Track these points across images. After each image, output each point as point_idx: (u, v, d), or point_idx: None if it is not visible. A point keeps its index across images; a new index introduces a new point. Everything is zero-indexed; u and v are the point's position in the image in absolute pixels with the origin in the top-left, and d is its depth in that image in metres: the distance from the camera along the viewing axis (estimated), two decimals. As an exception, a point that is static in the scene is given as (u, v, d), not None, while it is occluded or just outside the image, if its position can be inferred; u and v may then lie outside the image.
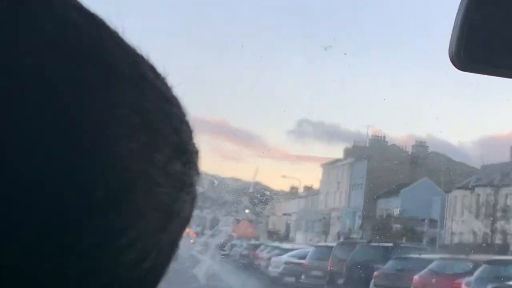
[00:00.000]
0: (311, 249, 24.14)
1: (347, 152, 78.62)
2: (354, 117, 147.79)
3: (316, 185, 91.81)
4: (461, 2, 1.64)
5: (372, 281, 15.90)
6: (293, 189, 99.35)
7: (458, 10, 1.64)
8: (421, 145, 71.39)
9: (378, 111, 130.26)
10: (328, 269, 20.49)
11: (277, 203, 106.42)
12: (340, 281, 18.85)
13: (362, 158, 71.96)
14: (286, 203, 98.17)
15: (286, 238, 75.00)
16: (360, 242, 19.81)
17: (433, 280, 13.29)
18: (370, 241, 19.22)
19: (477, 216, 57.57)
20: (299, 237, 72.29)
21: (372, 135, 73.38)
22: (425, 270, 13.83)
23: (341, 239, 22.83)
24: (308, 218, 75.94)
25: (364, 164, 70.70)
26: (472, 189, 58.49)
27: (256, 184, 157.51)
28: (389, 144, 73.08)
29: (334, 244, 22.86)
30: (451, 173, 62.17)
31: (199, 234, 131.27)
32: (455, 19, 1.65)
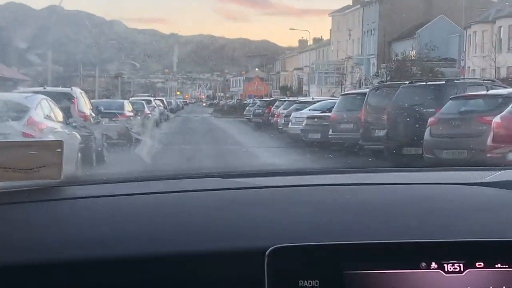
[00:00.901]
0: (338, 99, 19.98)
1: (356, -2, 73.25)
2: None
3: (325, 36, 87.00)
4: None
5: (428, 129, 11.82)
6: (302, 43, 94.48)
7: None
8: (434, -18, 65.69)
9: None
10: (362, 120, 16.44)
11: (287, 58, 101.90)
12: (380, 133, 14.86)
13: (373, 1, 66.67)
14: (296, 57, 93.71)
15: (299, 93, 71.02)
16: (400, 84, 15.58)
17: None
18: (412, 82, 15.02)
19: (499, 50, 53.11)
20: (313, 90, 68.28)
21: (382, -23, 67.63)
22: (508, 109, 9.71)
23: (375, 83, 18.53)
24: (321, 70, 71.65)
25: (376, 8, 65.51)
26: (493, 21, 53.74)
27: (264, 41, 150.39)
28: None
29: (365, 90, 18.65)
30: (467, 9, 56.84)
31: (210, 97, 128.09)
32: None
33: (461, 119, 11.75)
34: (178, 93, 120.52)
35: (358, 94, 18.87)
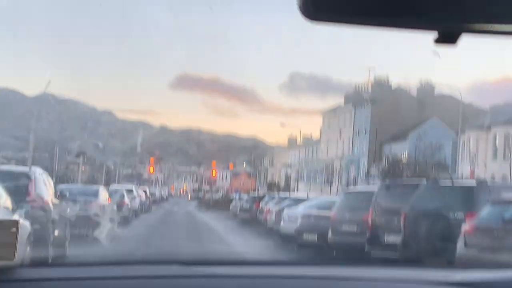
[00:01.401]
0: (339, 197, 17.47)
1: (348, 98, 72.02)
2: (351, 64, 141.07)
3: (315, 134, 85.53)
4: None
5: (462, 238, 9.28)
6: (292, 140, 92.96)
7: None
8: (427, 86, 64.69)
9: (378, 54, 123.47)
10: (369, 222, 13.90)
11: (275, 154, 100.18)
12: (392, 238, 12.34)
13: (365, 102, 65.35)
14: (285, 154, 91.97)
15: (286, 190, 68.73)
16: (419, 182, 13.13)
17: None
18: (435, 181, 12.59)
19: (494, 157, 51.35)
20: (301, 187, 66.00)
21: (375, 78, 66.71)
22: None
23: (386, 182, 16.07)
24: (310, 168, 69.64)
25: (368, 109, 64.12)
26: (488, 128, 52.20)
27: (252, 138, 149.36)
28: (393, 87, 66.41)
29: (371, 188, 16.20)
30: (461, 114, 55.48)
31: (195, 190, 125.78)
32: None
33: (506, 229, 9.28)
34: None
35: (363, 192, 16.41)
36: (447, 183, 12.33)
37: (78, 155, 75.45)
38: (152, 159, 77.40)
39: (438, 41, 1.72)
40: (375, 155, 62.69)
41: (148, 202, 43.39)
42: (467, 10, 1.70)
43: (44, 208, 12.19)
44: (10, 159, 61.01)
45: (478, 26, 1.71)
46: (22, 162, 45.13)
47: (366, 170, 61.43)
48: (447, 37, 1.72)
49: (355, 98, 68.92)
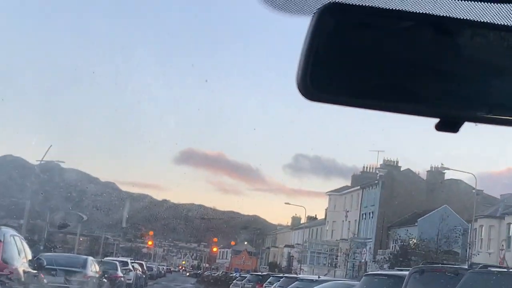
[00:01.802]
0: (361, 280, 15.13)
1: (355, 180, 69.95)
2: (357, 146, 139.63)
3: (320, 215, 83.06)
4: (306, 33, 1.68)
5: None
6: (295, 220, 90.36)
7: (304, 39, 1.68)
8: (436, 171, 62.62)
9: (386, 136, 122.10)
10: (399, 313, 11.48)
11: (278, 234, 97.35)
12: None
13: (374, 185, 63.22)
14: (288, 234, 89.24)
15: (288, 271, 65.81)
16: (458, 267, 10.85)
17: None
18: (485, 267, 10.34)
19: (508, 247, 48.83)
20: (305, 269, 63.16)
21: (384, 160, 64.72)
22: None
23: (420, 264, 13.74)
24: (313, 249, 66.90)
25: (376, 191, 61.95)
26: (501, 217, 49.86)
27: (254, 217, 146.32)
28: (402, 169, 64.35)
29: (397, 273, 13.87)
30: (472, 201, 53.24)
31: (195, 267, 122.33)
32: (301, 49, 1.67)
33: None
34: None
35: (388, 276, 14.11)
36: (498, 270, 10.12)
37: (63, 226, 71.31)
38: (151, 232, 74.83)
39: (440, 128, 1.72)
40: (381, 239, 60.18)
41: (144, 277, 40.82)
42: (468, 99, 1.71)
43: (12, 277, 9.89)
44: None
45: (479, 115, 1.72)
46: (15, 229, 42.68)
47: (373, 254, 58.79)
48: (449, 125, 1.71)
49: (362, 180, 66.87)
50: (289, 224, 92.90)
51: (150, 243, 74.61)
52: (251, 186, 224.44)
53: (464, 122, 1.70)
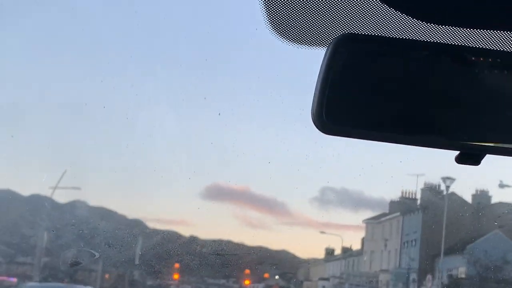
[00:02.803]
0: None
1: (393, 206, 64.26)
2: (387, 174, 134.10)
3: (355, 246, 77.22)
4: (321, 65, 1.65)
5: None
6: (329, 251, 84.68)
7: (319, 71, 1.64)
8: (483, 193, 56.94)
9: (427, 160, 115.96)
10: None
11: (311, 267, 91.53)
12: None
13: (415, 209, 57.60)
14: (322, 266, 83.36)
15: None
16: None
17: None
18: None
19: None
20: (342, 304, 57.57)
21: (425, 184, 59.12)
22: None
23: None
24: (351, 281, 61.20)
25: (418, 217, 56.30)
26: None
27: (283, 252, 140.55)
28: (444, 194, 58.65)
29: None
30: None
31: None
32: (316, 81, 1.64)
33: None
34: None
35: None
36: None
37: (75, 264, 67.74)
38: (177, 265, 70.01)
39: (460, 161, 1.66)
40: (426, 269, 54.33)
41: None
42: (488, 131, 1.66)
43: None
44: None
45: (500, 146, 1.66)
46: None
47: (417, 286, 53.02)
48: (470, 157, 1.65)
49: (401, 206, 61.25)
50: (322, 256, 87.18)
51: (176, 276, 69.90)
52: (278, 220, 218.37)
53: (485, 154, 1.61)
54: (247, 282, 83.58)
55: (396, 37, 1.73)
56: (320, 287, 73.33)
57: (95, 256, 68.19)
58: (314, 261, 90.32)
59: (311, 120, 1.60)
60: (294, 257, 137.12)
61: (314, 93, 1.61)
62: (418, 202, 59.55)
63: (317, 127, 1.60)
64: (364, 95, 1.63)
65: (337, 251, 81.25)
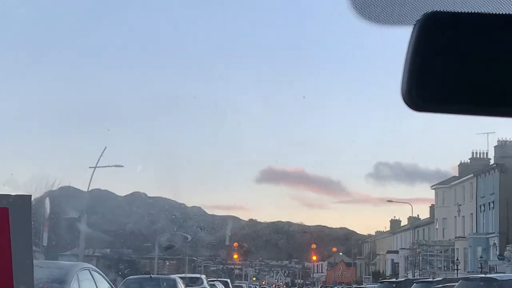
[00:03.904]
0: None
1: (464, 168, 58.97)
2: (441, 149, 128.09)
3: (422, 215, 72.14)
4: (409, 43, 1.67)
5: None
6: (394, 223, 79.63)
7: (407, 50, 1.66)
8: None
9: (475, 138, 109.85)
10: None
11: (377, 240, 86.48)
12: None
13: (490, 169, 52.30)
14: (389, 239, 78.44)
15: (394, 277, 55.45)
16: None
17: None
18: None
19: None
20: (416, 275, 52.59)
21: (498, 141, 53.68)
22: None
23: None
24: (425, 252, 56.29)
25: (495, 176, 50.93)
26: None
27: (344, 229, 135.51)
28: (520, 149, 53.11)
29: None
30: None
31: (288, 285, 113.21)
32: (405, 60, 1.66)
33: None
34: (254, 278, 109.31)
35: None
36: None
37: (167, 248, 70.45)
38: (235, 244, 66.65)
39: None
40: (508, 231, 49.10)
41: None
42: None
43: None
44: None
45: None
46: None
47: (498, 251, 47.84)
48: None
49: (473, 167, 55.96)
50: (388, 229, 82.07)
51: (235, 256, 66.81)
52: (335, 199, 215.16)
53: None
54: (314, 257, 79.41)
55: (481, 12, 1.68)
56: (390, 260, 68.59)
57: (187, 239, 68.04)
58: (379, 234, 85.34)
59: (401, 99, 1.60)
60: (354, 233, 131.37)
61: (403, 71, 1.61)
62: (492, 161, 54.19)
63: (407, 105, 1.60)
64: (453, 70, 1.60)
65: (403, 222, 76.33)
